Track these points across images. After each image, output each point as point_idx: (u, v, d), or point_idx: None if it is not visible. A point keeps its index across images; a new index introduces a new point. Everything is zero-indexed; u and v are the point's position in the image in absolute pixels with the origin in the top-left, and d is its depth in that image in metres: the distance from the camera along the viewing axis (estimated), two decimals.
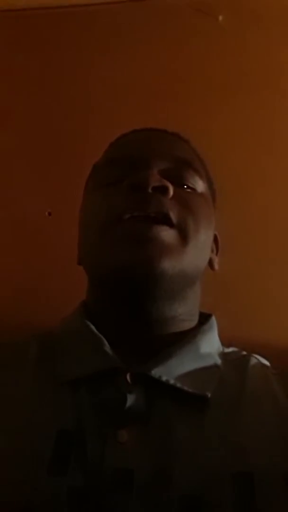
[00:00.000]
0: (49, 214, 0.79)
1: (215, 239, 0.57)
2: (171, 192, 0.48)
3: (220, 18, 0.82)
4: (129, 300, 0.48)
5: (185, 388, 0.45)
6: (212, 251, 0.56)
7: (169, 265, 0.45)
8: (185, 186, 0.51)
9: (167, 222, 0.47)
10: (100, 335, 0.48)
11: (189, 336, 0.49)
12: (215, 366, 0.49)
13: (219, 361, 0.50)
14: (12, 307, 0.74)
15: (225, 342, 0.54)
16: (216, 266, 0.57)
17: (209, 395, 0.45)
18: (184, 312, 0.50)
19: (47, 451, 0.41)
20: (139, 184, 0.47)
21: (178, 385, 0.45)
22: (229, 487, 0.39)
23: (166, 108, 0.79)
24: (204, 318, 0.53)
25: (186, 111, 0.79)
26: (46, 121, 0.82)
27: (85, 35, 0.84)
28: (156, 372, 0.45)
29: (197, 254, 0.49)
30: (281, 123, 0.78)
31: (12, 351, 0.51)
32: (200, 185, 0.53)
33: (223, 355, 0.51)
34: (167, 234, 0.47)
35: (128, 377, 0.44)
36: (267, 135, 0.78)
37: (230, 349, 0.54)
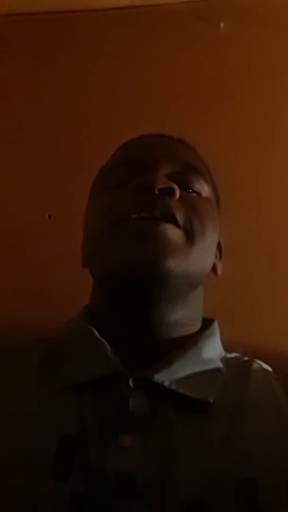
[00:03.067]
0: (49, 216, 0.78)
1: (219, 245, 0.57)
2: (178, 194, 0.48)
3: (222, 25, 0.82)
4: (133, 299, 0.48)
5: (188, 393, 0.45)
6: (216, 256, 0.56)
7: (174, 264, 0.45)
8: (191, 190, 0.52)
9: (174, 222, 0.47)
10: (103, 340, 0.48)
11: (191, 341, 0.49)
12: (218, 371, 0.49)
13: (221, 367, 0.50)
14: (12, 310, 0.73)
15: (227, 348, 0.54)
16: (219, 272, 0.57)
17: (212, 400, 0.44)
18: (186, 316, 0.50)
19: (50, 455, 0.40)
20: (145, 185, 0.48)
21: (181, 390, 0.45)
22: (232, 493, 0.39)
23: (166, 113, 0.79)
24: (206, 324, 0.53)
25: (187, 117, 0.79)
26: (47, 124, 0.82)
27: (86, 41, 0.84)
28: (158, 377, 0.45)
29: (202, 256, 0.49)
30: (283, 128, 0.78)
31: (14, 356, 0.51)
32: (205, 190, 0.53)
33: (225, 361, 0.51)
34: (174, 232, 0.47)
35: (130, 382, 0.44)
36: (270, 141, 0.78)
37: (233, 355, 0.54)
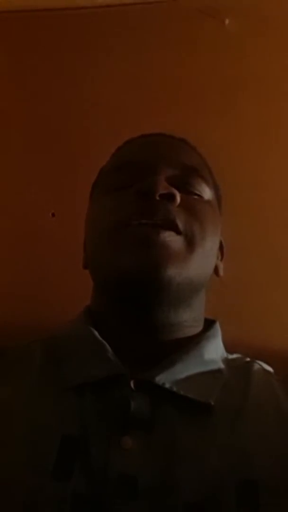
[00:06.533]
0: (53, 215, 0.78)
1: (220, 246, 0.57)
2: (178, 199, 0.48)
3: (227, 21, 0.82)
4: (135, 305, 0.48)
5: (189, 395, 0.45)
6: (217, 257, 0.56)
7: (175, 272, 0.46)
8: (192, 193, 0.52)
9: (174, 229, 0.47)
10: (104, 342, 0.48)
11: (193, 343, 0.49)
12: (219, 372, 0.49)
13: (223, 368, 0.50)
14: (14, 309, 0.73)
15: (229, 349, 0.54)
16: (221, 273, 0.57)
17: (213, 402, 0.44)
18: (189, 319, 0.50)
19: (51, 457, 0.40)
20: (146, 191, 0.48)
21: (182, 392, 0.45)
22: (233, 494, 0.39)
23: (170, 110, 0.78)
24: (208, 325, 0.53)
25: (191, 114, 0.78)
26: (50, 122, 0.82)
27: (91, 37, 0.83)
28: (159, 378, 0.45)
29: (203, 261, 0.50)
30: (286, 127, 0.78)
31: (15, 357, 0.51)
32: (207, 192, 0.53)
33: (227, 362, 0.51)
34: (174, 240, 0.47)
35: (131, 383, 0.44)
36: (273, 140, 0.77)
37: (234, 356, 0.54)
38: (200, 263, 0.49)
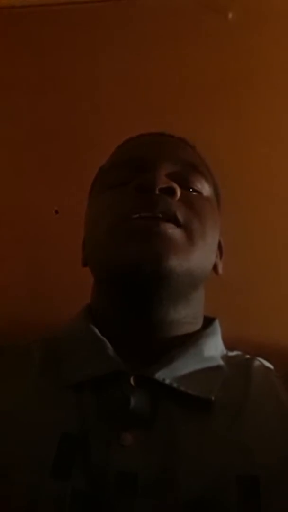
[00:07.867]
0: (56, 212, 0.79)
1: (219, 244, 0.57)
2: (178, 193, 0.49)
3: (230, 15, 0.81)
4: (135, 299, 0.48)
5: (189, 391, 0.45)
6: (216, 256, 0.56)
7: (176, 263, 0.46)
8: (191, 189, 0.52)
9: (174, 221, 0.47)
10: (104, 339, 0.48)
11: (192, 339, 0.49)
12: (219, 369, 0.49)
13: (222, 364, 0.50)
14: (16, 307, 0.74)
15: (228, 346, 0.54)
16: (220, 271, 0.57)
17: (213, 398, 0.45)
18: (188, 315, 0.51)
19: (51, 455, 0.41)
20: (146, 185, 0.48)
21: (182, 388, 0.45)
22: (234, 490, 0.39)
23: (172, 106, 0.78)
24: (207, 322, 0.53)
25: (193, 109, 0.78)
26: (53, 119, 0.82)
27: (92, 32, 0.83)
28: (159, 375, 0.45)
29: (203, 255, 0.50)
30: None
31: (15, 355, 0.51)
32: (206, 189, 0.53)
33: (226, 359, 0.51)
34: (175, 232, 0.47)
35: (131, 380, 0.44)
36: (277, 138, 0.77)
37: (234, 353, 0.54)
38: (201, 256, 0.49)
